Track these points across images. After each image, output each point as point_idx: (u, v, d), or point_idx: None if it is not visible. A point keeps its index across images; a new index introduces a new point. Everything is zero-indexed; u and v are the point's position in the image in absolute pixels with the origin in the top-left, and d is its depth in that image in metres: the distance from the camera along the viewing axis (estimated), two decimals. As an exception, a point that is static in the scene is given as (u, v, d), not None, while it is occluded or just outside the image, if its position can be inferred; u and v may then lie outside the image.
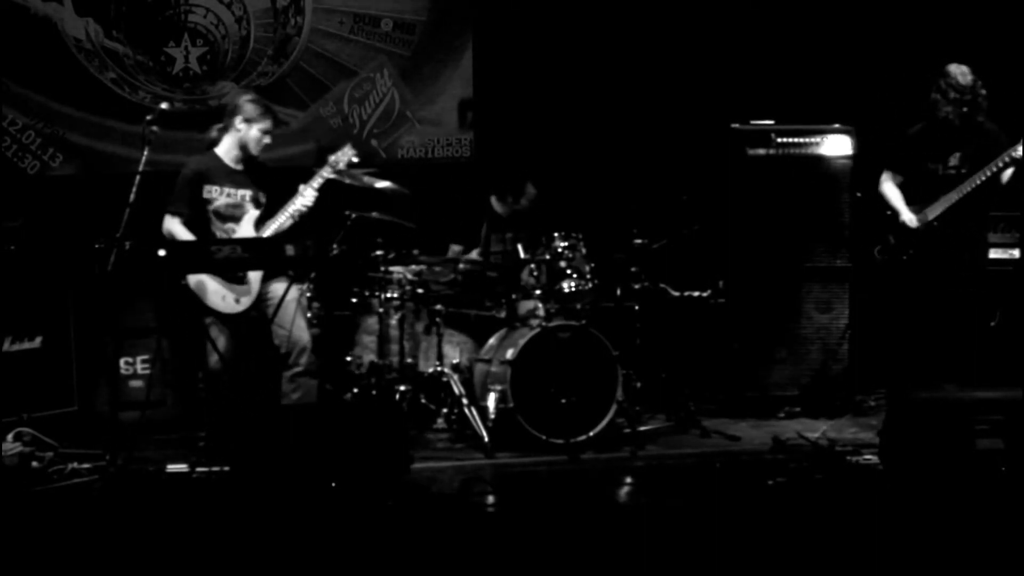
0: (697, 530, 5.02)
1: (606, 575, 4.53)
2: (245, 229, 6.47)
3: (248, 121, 6.50)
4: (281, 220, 6.48)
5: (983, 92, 6.46)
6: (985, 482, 5.14)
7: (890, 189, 6.81)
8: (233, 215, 6.50)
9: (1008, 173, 6.42)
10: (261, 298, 6.44)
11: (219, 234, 6.47)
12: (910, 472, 5.29)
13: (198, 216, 6.47)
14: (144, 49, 8.28)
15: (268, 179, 6.64)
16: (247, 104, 6.55)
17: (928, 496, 5.11)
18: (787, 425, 7.17)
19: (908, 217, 6.66)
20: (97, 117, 8.23)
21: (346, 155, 6.65)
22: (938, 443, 5.29)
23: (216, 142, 6.58)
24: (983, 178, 6.39)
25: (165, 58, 8.31)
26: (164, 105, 6.65)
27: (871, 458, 5.97)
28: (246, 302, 6.40)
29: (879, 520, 4.95)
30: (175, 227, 6.43)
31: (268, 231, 6.44)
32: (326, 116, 8.47)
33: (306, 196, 6.51)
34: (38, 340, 7.13)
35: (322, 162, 6.88)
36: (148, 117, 6.25)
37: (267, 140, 6.57)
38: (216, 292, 6.37)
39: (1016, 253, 7.43)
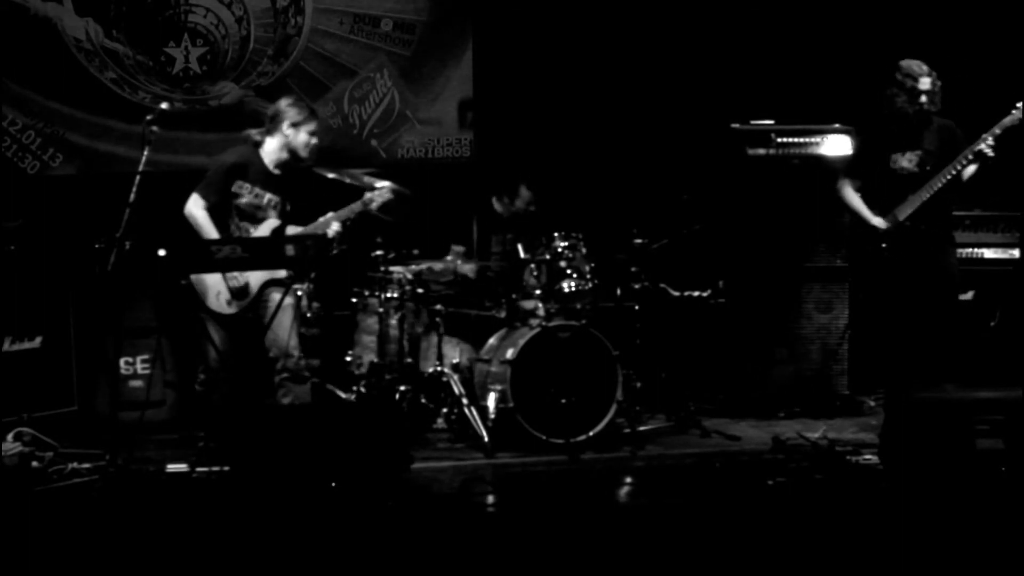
0: (697, 530, 5.02)
1: (606, 575, 4.53)
2: (261, 234, 6.47)
3: (295, 125, 6.52)
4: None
5: (939, 83, 6.44)
6: (985, 482, 5.14)
7: (850, 195, 6.69)
8: (253, 215, 6.50)
9: (971, 169, 6.37)
10: (259, 301, 6.44)
11: (234, 230, 6.48)
12: (910, 472, 5.28)
13: (223, 206, 6.47)
14: (144, 49, 8.28)
15: (300, 190, 6.65)
16: (290, 108, 6.55)
17: (928, 496, 5.11)
18: (787, 425, 7.17)
19: (877, 221, 6.57)
20: (97, 117, 8.23)
21: (383, 196, 6.68)
22: (938, 443, 5.28)
23: (260, 143, 6.58)
24: (952, 173, 6.34)
25: (165, 58, 8.31)
26: (164, 105, 6.63)
27: (871, 458, 5.97)
28: (237, 306, 6.41)
29: (879, 520, 4.95)
30: (198, 211, 6.42)
31: None
32: (326, 116, 8.46)
33: (332, 228, 6.55)
34: (38, 340, 7.13)
35: (323, 162, 6.89)
36: (148, 117, 6.23)
37: (315, 141, 6.59)
38: (213, 289, 6.38)
39: (1016, 253, 7.42)
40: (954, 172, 6.31)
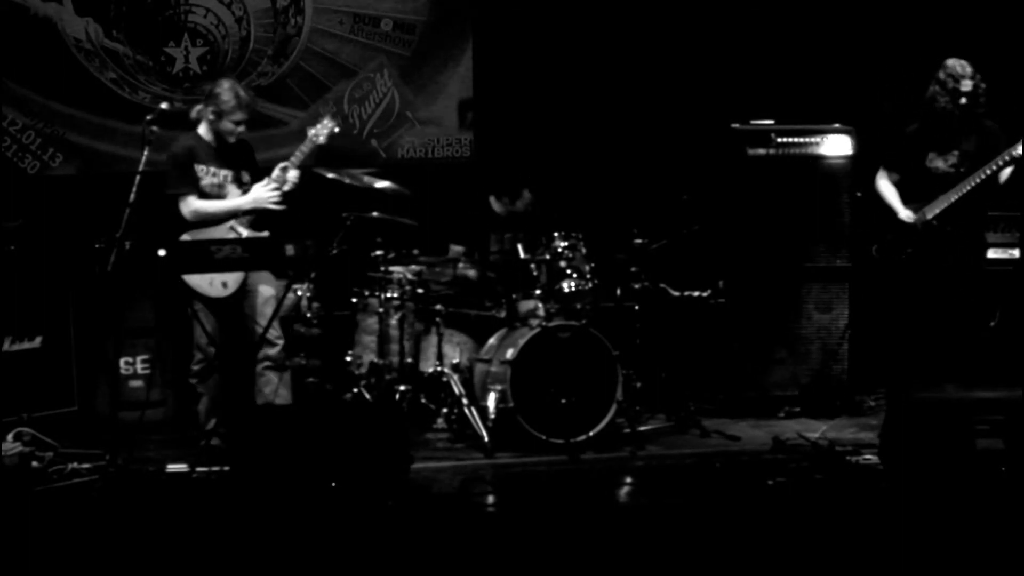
0: (697, 530, 5.02)
1: (606, 575, 4.53)
2: None
3: (218, 115, 6.47)
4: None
5: (983, 86, 6.43)
6: (985, 482, 5.14)
7: (886, 187, 6.77)
8: (217, 195, 6.52)
9: (1007, 172, 6.38)
10: (244, 288, 6.46)
11: None
12: (910, 472, 5.29)
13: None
14: (144, 49, 8.27)
15: (253, 159, 6.65)
16: (224, 93, 6.48)
17: (928, 496, 5.11)
18: (787, 425, 7.17)
19: (906, 214, 6.62)
20: (97, 117, 8.22)
21: (326, 127, 6.65)
22: (938, 443, 5.29)
23: (198, 123, 6.59)
24: (983, 177, 6.36)
25: (165, 58, 8.31)
26: (164, 105, 6.63)
27: (871, 458, 5.97)
28: (232, 286, 6.41)
29: (879, 520, 4.95)
30: (197, 204, 6.44)
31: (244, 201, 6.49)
32: (326, 116, 8.45)
33: (291, 175, 6.48)
34: (38, 340, 7.13)
35: (323, 162, 6.89)
36: (148, 117, 6.25)
37: (240, 129, 6.53)
38: (203, 280, 6.36)
39: (1016, 253, 7.42)
40: (987, 174, 6.33)
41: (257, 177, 6.56)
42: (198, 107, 6.60)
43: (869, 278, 7.19)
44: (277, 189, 6.47)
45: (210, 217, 6.45)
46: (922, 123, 6.62)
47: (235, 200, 6.49)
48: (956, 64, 6.44)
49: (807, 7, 8.37)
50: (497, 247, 7.62)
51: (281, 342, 6.53)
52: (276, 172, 6.49)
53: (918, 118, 6.67)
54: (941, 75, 6.46)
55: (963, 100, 6.38)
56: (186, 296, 6.37)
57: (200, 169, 6.49)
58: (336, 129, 6.72)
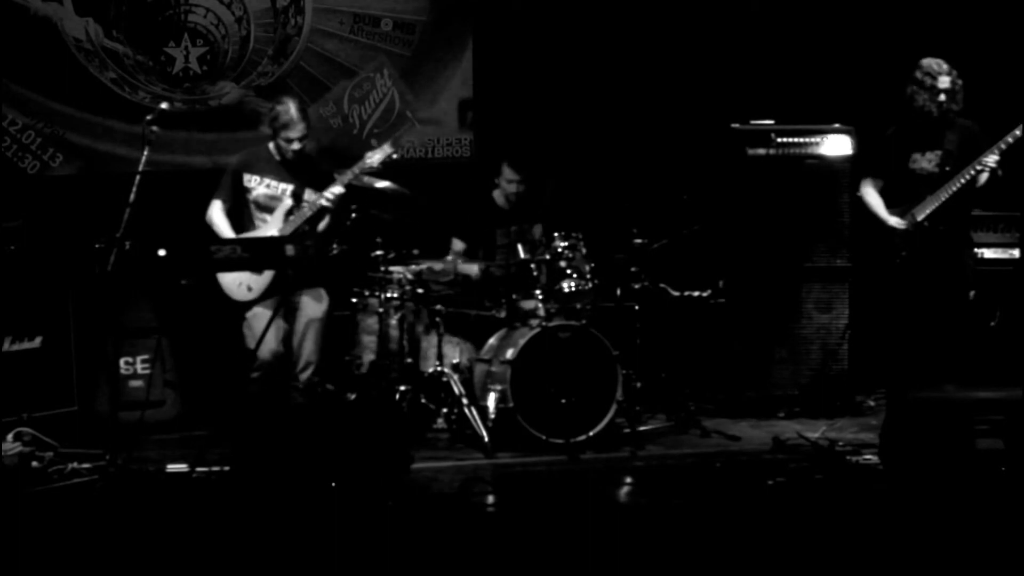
0: (697, 530, 5.02)
1: (606, 575, 4.53)
2: (275, 220, 6.67)
3: (275, 130, 6.69)
4: (304, 211, 6.69)
5: (959, 82, 6.43)
6: (985, 482, 5.15)
7: (871, 196, 6.71)
8: (270, 206, 6.72)
9: (984, 177, 6.39)
10: (290, 306, 6.63)
11: (257, 223, 6.73)
12: (910, 472, 5.29)
13: (238, 204, 6.74)
14: (144, 49, 8.27)
15: (320, 176, 6.78)
16: (279, 108, 6.72)
17: (928, 496, 5.11)
18: (787, 425, 7.17)
19: (894, 221, 6.59)
20: (97, 117, 8.22)
21: (384, 151, 6.77)
22: (938, 443, 5.29)
23: (271, 136, 6.80)
24: (970, 175, 6.35)
25: (165, 58, 8.31)
26: (164, 105, 6.66)
27: (871, 458, 5.97)
28: (256, 291, 6.58)
29: (879, 520, 4.95)
30: (214, 213, 6.74)
31: (290, 224, 6.65)
32: (326, 116, 8.46)
33: (334, 190, 6.66)
34: (38, 340, 7.13)
35: (324, 162, 6.91)
36: (148, 117, 6.27)
37: (296, 146, 6.70)
38: (233, 281, 6.57)
39: (1016, 253, 7.42)
40: (968, 177, 6.33)
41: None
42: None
43: (868, 279, 7.18)
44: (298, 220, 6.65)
45: (215, 231, 6.70)
46: (901, 125, 6.62)
47: (232, 236, 6.62)
48: (932, 62, 6.45)
49: (807, 8, 8.37)
50: (504, 240, 7.61)
51: (309, 370, 6.70)
52: (312, 196, 6.69)
53: (897, 121, 6.66)
54: (917, 74, 6.47)
55: (941, 97, 6.39)
56: (236, 307, 6.61)
57: (253, 179, 6.71)
58: (394, 156, 6.83)
